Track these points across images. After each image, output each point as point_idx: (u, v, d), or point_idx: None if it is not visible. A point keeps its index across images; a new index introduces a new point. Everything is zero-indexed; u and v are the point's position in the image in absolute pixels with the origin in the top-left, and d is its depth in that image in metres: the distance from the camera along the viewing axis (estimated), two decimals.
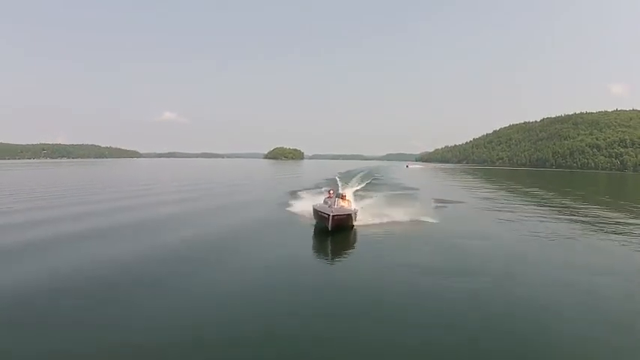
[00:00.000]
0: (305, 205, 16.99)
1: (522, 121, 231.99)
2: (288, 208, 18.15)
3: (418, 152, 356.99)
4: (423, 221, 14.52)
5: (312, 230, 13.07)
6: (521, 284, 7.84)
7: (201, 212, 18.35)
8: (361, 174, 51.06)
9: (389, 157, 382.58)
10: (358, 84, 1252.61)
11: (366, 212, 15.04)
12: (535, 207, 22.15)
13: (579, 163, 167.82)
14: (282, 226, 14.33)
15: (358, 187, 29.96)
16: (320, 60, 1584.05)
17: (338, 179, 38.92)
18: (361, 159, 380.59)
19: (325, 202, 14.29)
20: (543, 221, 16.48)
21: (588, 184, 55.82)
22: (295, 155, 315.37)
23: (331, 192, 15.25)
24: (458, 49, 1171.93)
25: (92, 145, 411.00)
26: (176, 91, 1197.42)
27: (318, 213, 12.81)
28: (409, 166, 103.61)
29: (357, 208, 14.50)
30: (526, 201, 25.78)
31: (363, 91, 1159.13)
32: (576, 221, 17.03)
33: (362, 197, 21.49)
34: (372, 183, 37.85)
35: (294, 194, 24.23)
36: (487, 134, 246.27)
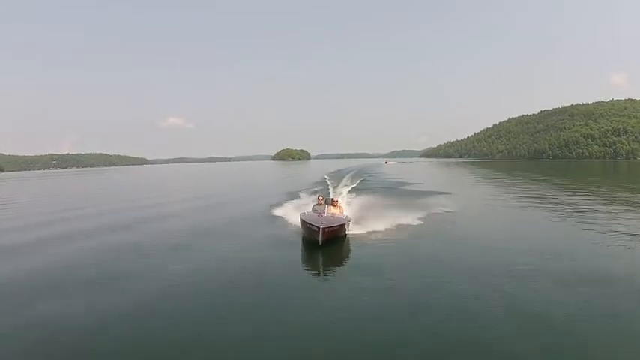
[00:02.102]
0: (294, 211, 16.40)
1: (521, 114, 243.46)
2: (274, 214, 17.35)
3: (423, 148, 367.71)
4: (419, 225, 13.99)
5: (300, 241, 12.12)
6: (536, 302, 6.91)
7: (184, 218, 18.77)
8: (351, 173, 51.48)
9: (394, 155, 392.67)
10: (364, 83, 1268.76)
11: (358, 218, 14.24)
12: (518, 200, 22.59)
13: (574, 153, 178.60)
14: (267, 237, 13.20)
15: (349, 188, 29.49)
16: (325, 60, 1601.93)
17: (327, 179, 38.43)
18: (366, 157, 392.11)
19: (314, 209, 13.38)
20: (526, 215, 17.17)
21: (573, 172, 61.27)
22: (302, 156, 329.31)
23: (320, 198, 14.45)
24: (463, 48, 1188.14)
25: (100, 153, 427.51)
26: (180, 96, 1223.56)
27: (306, 225, 11.65)
28: (388, 163, 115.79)
29: (349, 216, 13.51)
30: (511, 194, 25.95)
31: (369, 90, 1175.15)
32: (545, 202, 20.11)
33: (352, 199, 20.83)
34: (365, 181, 37.76)
35: (284, 197, 23.99)
36: (487, 129, 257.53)
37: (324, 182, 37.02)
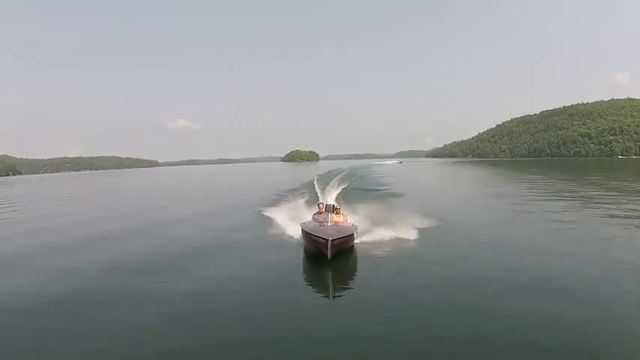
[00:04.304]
0: (290, 218, 15.65)
1: (523, 114, 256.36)
2: (270, 223, 16.08)
3: (430, 148, 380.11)
4: (429, 229, 13.17)
5: (302, 254, 11.03)
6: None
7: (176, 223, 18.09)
8: (342, 174, 49.26)
9: (401, 155, 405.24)
10: (366, 83, 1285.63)
11: (362, 224, 12.85)
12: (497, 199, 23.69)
13: (572, 152, 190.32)
14: (266, 250, 11.75)
15: (336, 192, 28.09)
16: (332, 61, 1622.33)
17: (316, 182, 36.47)
18: (374, 157, 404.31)
19: (314, 218, 12.44)
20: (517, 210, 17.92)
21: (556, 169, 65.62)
22: (311, 157, 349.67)
23: (321, 205, 13.39)
24: (463, 48, 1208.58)
25: (112, 156, 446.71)
26: (187, 98, 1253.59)
27: (310, 236, 10.34)
28: (402, 162, 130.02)
29: (355, 223, 12.27)
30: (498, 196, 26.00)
31: (372, 91, 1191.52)
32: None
33: (351, 204, 19.43)
34: (354, 183, 36.35)
35: (278, 200, 23.33)
36: (491, 129, 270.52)
37: (333, 175, 43.79)
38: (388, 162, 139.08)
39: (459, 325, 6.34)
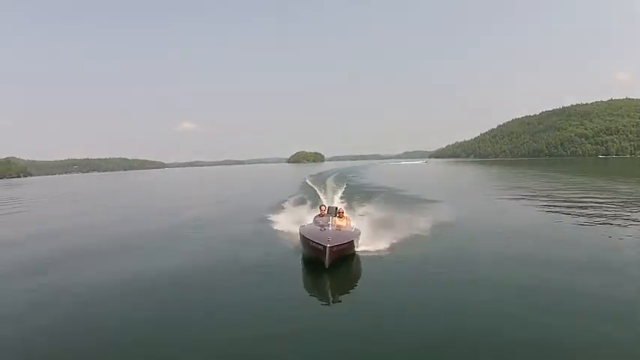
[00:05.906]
0: (290, 220, 15.43)
1: (524, 115, 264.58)
2: (269, 225, 15.85)
3: (434, 149, 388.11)
4: (434, 233, 13.01)
5: (300, 259, 10.61)
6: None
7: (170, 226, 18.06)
8: (335, 175, 49.41)
9: (406, 155, 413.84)
10: (373, 84, 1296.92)
11: (366, 229, 12.48)
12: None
13: (569, 152, 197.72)
14: (261, 256, 11.31)
15: (336, 194, 27.70)
16: (336, 61, 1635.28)
17: (309, 182, 36.31)
18: (379, 158, 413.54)
19: (316, 221, 11.95)
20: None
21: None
22: (316, 158, 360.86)
23: (323, 207, 12.88)
24: (464, 48, 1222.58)
25: (120, 158, 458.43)
26: (190, 100, 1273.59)
27: (308, 242, 9.92)
28: (427, 162, 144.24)
29: (358, 228, 11.76)
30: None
31: (378, 91, 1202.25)
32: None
33: (356, 207, 18.91)
34: (350, 185, 35.87)
35: (279, 204, 22.44)
36: (492, 129, 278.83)
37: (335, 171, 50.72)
38: (414, 162, 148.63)
39: (462, 336, 6.19)
